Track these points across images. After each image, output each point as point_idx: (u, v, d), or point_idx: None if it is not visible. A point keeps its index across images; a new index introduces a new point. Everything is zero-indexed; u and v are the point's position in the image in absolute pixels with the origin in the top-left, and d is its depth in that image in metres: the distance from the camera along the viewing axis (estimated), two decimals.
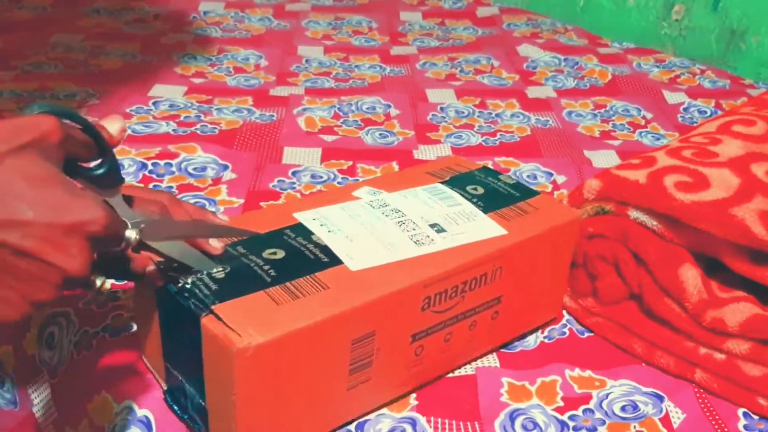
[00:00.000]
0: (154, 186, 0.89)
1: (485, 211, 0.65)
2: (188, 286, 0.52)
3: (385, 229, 0.60)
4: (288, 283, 0.53)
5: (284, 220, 0.61)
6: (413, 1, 1.62)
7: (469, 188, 0.68)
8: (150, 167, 0.93)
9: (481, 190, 0.68)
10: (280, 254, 0.56)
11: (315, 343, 0.52)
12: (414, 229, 0.61)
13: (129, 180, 0.90)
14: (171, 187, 0.90)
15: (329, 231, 0.60)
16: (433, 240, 0.60)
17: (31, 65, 1.21)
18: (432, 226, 0.62)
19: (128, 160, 0.94)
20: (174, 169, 0.93)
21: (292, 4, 1.57)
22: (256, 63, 1.27)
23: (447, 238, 0.60)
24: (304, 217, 0.61)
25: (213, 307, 0.50)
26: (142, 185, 0.84)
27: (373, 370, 0.57)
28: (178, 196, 0.87)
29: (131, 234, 0.48)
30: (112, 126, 0.49)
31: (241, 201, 0.87)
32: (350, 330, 0.53)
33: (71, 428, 0.65)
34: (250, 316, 0.50)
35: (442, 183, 0.69)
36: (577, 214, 0.67)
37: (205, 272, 0.53)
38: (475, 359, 0.66)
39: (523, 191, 0.69)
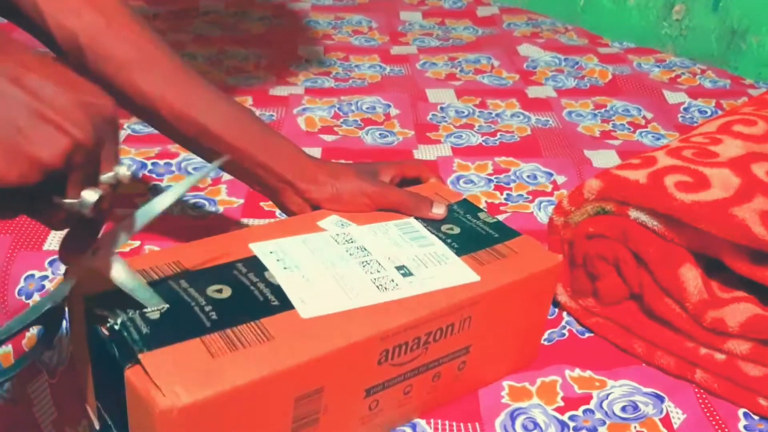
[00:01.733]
0: (154, 185, 0.89)
1: (459, 253, 0.60)
2: (117, 328, 0.47)
3: (346, 270, 0.56)
4: (229, 330, 0.48)
5: (239, 251, 0.56)
6: (413, 1, 1.62)
7: (444, 228, 0.63)
8: (150, 167, 0.93)
9: (457, 230, 0.63)
10: (226, 293, 0.51)
11: (251, 401, 0.46)
12: (378, 271, 0.56)
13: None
14: (170, 186, 0.89)
15: (285, 268, 0.55)
16: (397, 285, 0.55)
17: None
18: (398, 268, 0.57)
19: (128, 159, 0.94)
20: (174, 168, 0.93)
21: (292, 3, 1.57)
22: (255, 62, 1.27)
23: (413, 284, 0.55)
24: (261, 249, 0.56)
25: (140, 356, 0.45)
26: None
27: (320, 427, 0.52)
28: None
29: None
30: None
31: (241, 201, 0.87)
32: (293, 387, 0.48)
33: (70, 428, 0.65)
34: (179, 371, 0.45)
35: (417, 218, 0.64)
36: (557, 259, 0.63)
37: (138, 313, 0.48)
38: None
39: (503, 232, 0.64)
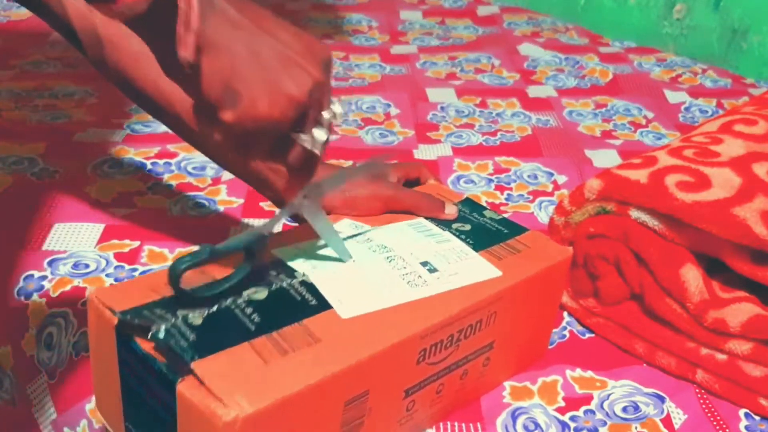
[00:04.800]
0: (154, 184, 0.89)
1: (475, 248, 0.60)
2: (161, 336, 0.45)
3: (373, 266, 0.56)
4: (275, 333, 0.47)
5: (264, 257, 0.55)
6: (413, 0, 1.62)
7: (455, 225, 0.64)
8: (149, 166, 0.93)
9: (467, 227, 0.64)
10: (262, 294, 0.51)
11: (307, 407, 0.46)
12: (405, 267, 0.56)
13: (128, 178, 0.90)
14: (170, 185, 0.89)
15: (314, 268, 0.54)
16: (426, 281, 0.55)
17: (30, 64, 1.21)
18: (423, 264, 0.57)
19: (127, 159, 0.94)
20: (173, 168, 0.93)
21: (291, 2, 1.57)
22: None
23: (441, 279, 0.56)
24: (285, 254, 0.56)
25: (193, 365, 0.44)
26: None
27: (363, 431, 0.51)
28: (177, 196, 0.87)
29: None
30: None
31: (241, 201, 0.87)
32: (344, 391, 0.48)
33: (70, 429, 0.65)
34: (236, 379, 0.44)
35: (427, 218, 0.64)
36: (568, 252, 0.64)
37: (180, 317, 0.47)
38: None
39: (512, 228, 0.65)
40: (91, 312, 0.50)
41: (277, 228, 0.51)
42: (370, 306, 0.52)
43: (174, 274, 0.47)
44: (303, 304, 0.51)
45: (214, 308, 0.49)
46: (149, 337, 0.45)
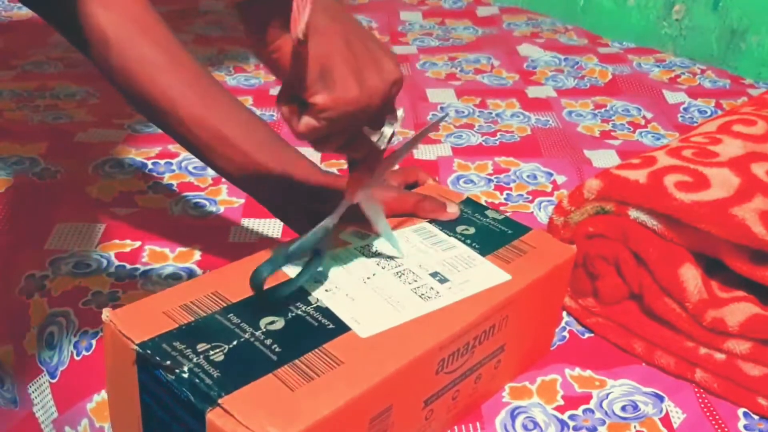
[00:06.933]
0: (155, 184, 0.89)
1: (482, 253, 0.61)
2: (185, 376, 0.45)
3: (384, 283, 0.56)
4: (297, 361, 0.48)
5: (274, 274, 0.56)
6: (413, 1, 1.62)
7: (459, 229, 0.64)
8: (150, 166, 0.93)
9: (472, 230, 0.64)
10: (279, 323, 0.51)
11: (335, 429, 0.46)
12: (415, 281, 0.56)
13: (129, 178, 0.90)
14: (171, 185, 0.90)
15: (327, 290, 0.54)
16: (438, 293, 0.56)
17: (32, 64, 1.21)
18: (433, 275, 0.57)
19: (128, 159, 0.94)
20: (174, 167, 0.93)
21: None
22: (256, 62, 1.27)
23: (453, 289, 0.56)
24: (296, 271, 0.55)
25: (220, 401, 0.44)
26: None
27: None
28: (178, 196, 0.88)
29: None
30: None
31: (242, 201, 0.87)
32: (370, 409, 0.48)
33: (71, 428, 0.65)
34: (265, 409, 0.44)
35: (431, 222, 0.64)
36: (572, 250, 0.64)
37: (202, 356, 0.47)
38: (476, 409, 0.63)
39: (515, 228, 0.65)
40: (107, 334, 0.49)
41: (337, 219, 0.55)
42: (387, 323, 0.52)
43: (257, 283, 0.51)
44: (321, 329, 0.51)
45: (234, 343, 0.49)
46: (174, 373, 0.45)
